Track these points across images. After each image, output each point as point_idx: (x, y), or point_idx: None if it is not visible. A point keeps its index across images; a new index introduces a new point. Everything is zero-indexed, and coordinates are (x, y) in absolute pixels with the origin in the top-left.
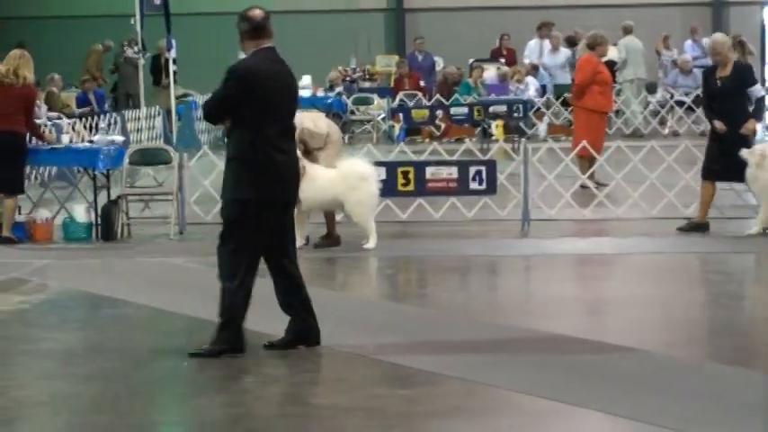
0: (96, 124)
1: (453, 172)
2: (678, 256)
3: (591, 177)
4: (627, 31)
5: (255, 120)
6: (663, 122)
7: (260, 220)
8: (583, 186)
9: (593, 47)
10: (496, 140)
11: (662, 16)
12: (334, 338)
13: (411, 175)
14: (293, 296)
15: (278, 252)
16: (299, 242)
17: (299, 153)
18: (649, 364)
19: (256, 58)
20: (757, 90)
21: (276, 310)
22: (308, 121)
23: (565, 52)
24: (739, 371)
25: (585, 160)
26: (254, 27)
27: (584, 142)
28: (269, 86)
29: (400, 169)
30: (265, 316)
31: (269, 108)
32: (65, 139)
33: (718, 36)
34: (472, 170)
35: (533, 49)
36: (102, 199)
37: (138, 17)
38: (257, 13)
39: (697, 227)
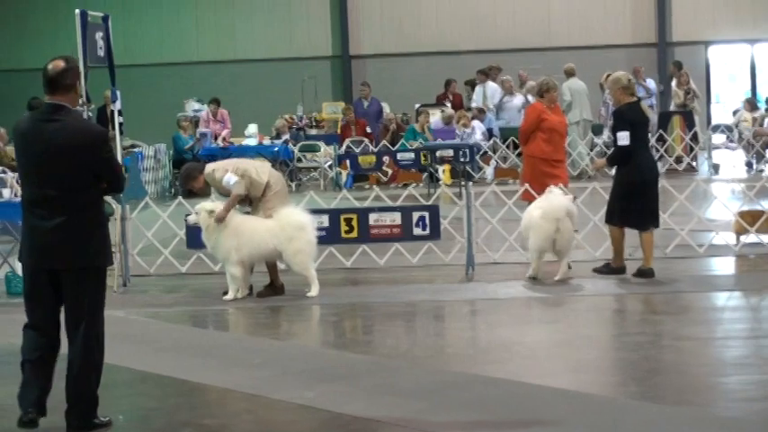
0: None
1: (396, 218)
2: (621, 297)
3: None
4: (569, 73)
5: (21, 182)
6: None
7: (28, 286)
8: None
9: (542, 93)
10: (443, 184)
11: (607, 58)
12: (276, 387)
13: (354, 222)
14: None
15: (67, 320)
16: (241, 293)
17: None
18: (592, 406)
19: (29, 116)
20: (620, 138)
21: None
22: (252, 169)
23: (519, 96)
24: (683, 410)
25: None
26: (46, 81)
27: (527, 185)
28: (24, 148)
29: (343, 216)
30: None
31: (22, 171)
32: (5, 193)
33: (612, 76)
34: (415, 216)
35: (479, 94)
36: None
37: (81, 69)
38: (52, 65)
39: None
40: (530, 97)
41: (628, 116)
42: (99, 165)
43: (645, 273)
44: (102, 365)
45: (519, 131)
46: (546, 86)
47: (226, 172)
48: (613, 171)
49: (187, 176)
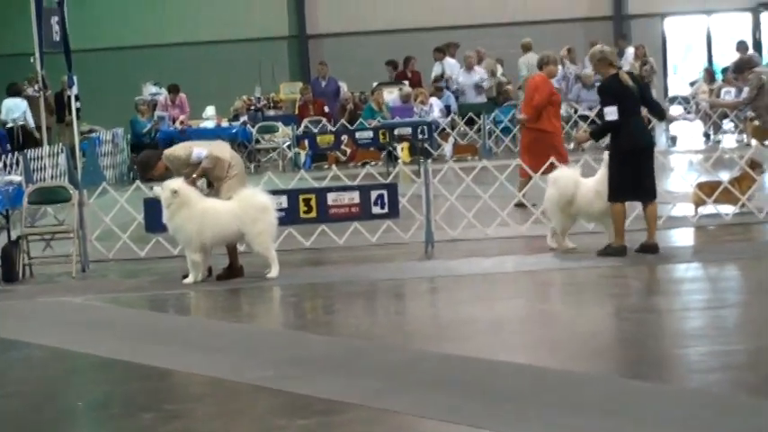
0: None
1: (355, 197)
2: (581, 271)
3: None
4: (526, 48)
5: None
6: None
7: None
8: (517, 205)
9: (542, 66)
10: (403, 163)
11: (564, 31)
12: (237, 370)
13: (313, 202)
14: None
15: None
16: (201, 276)
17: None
18: (552, 381)
19: None
20: (607, 113)
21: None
22: (215, 148)
23: (480, 71)
24: (643, 385)
25: (525, 180)
26: None
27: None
28: None
29: (302, 196)
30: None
31: None
32: None
33: (591, 49)
34: (374, 194)
35: (438, 71)
36: (2, 240)
37: (37, 55)
38: None
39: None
40: (485, 76)
41: (612, 90)
42: None
43: (650, 248)
44: None
45: (529, 106)
46: (546, 59)
47: (189, 149)
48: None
49: (145, 164)
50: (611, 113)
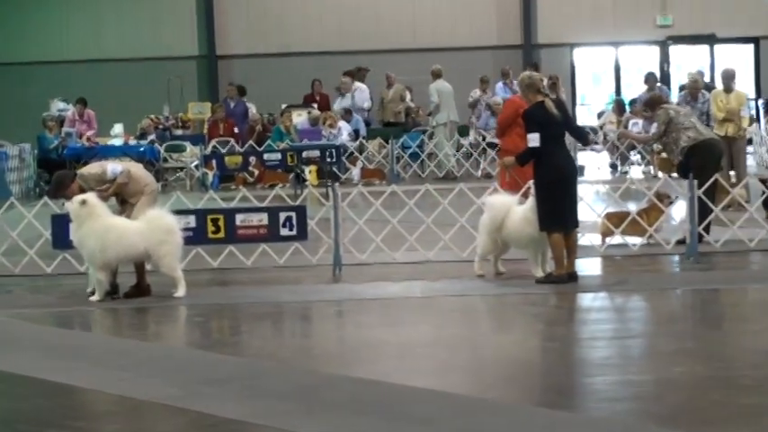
0: None
1: (263, 218)
2: (490, 298)
3: None
4: (436, 75)
5: None
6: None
7: None
8: None
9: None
10: (310, 185)
11: (473, 59)
12: (143, 388)
13: (221, 223)
14: None
15: None
16: (96, 295)
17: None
18: (460, 407)
19: None
20: (530, 139)
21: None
22: (131, 166)
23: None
24: (553, 413)
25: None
26: None
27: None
28: None
29: (210, 217)
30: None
31: None
32: None
33: (520, 75)
34: (282, 216)
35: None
36: None
37: None
38: None
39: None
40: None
41: (536, 117)
42: None
43: (569, 276)
44: None
45: (496, 123)
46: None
47: (103, 166)
48: None
49: (59, 184)
50: (534, 140)
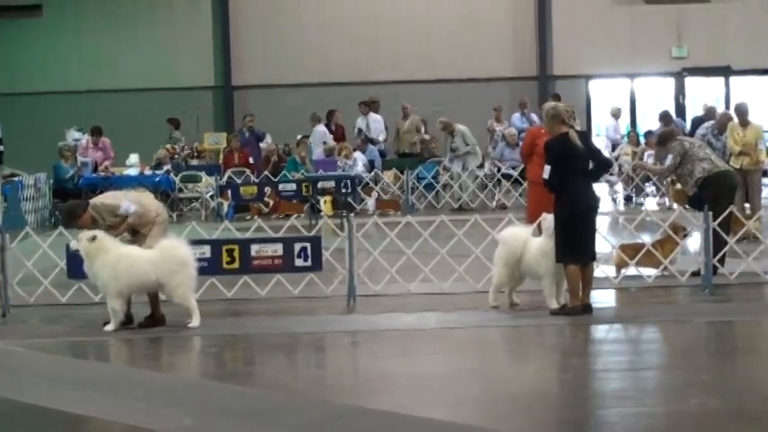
0: None
1: (278, 249)
2: (503, 329)
3: None
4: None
5: None
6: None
7: None
8: None
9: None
10: (325, 216)
11: (490, 90)
12: (156, 418)
13: (236, 253)
14: None
15: None
16: (111, 325)
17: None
18: None
19: None
20: (544, 171)
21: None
22: (144, 198)
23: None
24: None
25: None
26: None
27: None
28: None
29: (225, 247)
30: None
31: None
32: None
33: (546, 106)
34: (297, 247)
35: (362, 125)
36: None
37: None
38: None
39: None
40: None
41: (556, 149)
42: None
43: (584, 308)
44: None
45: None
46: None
47: (118, 199)
48: None
49: (70, 214)
50: (545, 172)
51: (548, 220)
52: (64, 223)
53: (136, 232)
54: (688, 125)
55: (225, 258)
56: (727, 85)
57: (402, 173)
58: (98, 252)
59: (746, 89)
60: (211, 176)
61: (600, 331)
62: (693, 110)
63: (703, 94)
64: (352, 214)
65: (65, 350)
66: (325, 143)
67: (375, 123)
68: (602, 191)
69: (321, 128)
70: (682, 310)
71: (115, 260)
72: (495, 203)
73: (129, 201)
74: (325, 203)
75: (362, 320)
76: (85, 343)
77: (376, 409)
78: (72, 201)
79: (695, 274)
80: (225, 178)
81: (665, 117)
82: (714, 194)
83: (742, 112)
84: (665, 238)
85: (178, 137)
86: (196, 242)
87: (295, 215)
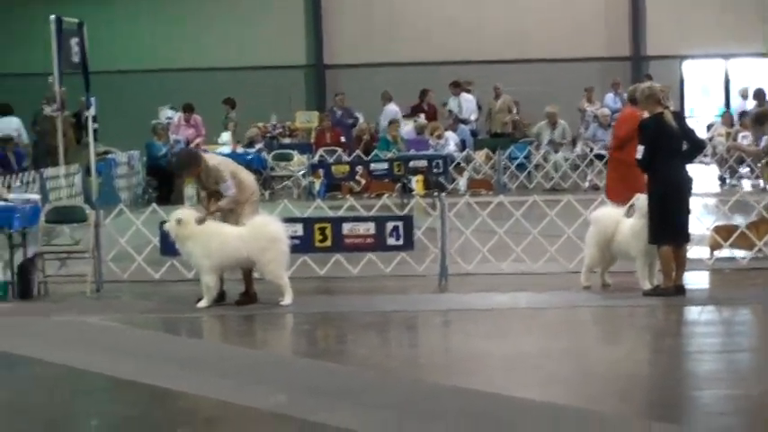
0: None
1: (370, 227)
2: (595, 309)
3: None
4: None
5: None
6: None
7: None
8: None
9: (632, 99)
10: (417, 195)
11: (581, 70)
12: (249, 395)
13: (328, 231)
14: None
15: None
16: (204, 301)
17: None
18: (565, 419)
19: None
20: (638, 150)
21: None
22: (242, 171)
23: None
24: (661, 426)
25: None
26: None
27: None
28: None
29: (317, 225)
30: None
31: None
32: None
33: (641, 86)
34: (389, 226)
35: (454, 105)
36: (19, 257)
37: (56, 75)
38: None
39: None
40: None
41: (650, 129)
42: None
43: (677, 289)
44: None
45: (615, 137)
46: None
47: (227, 171)
48: None
49: (187, 163)
50: (639, 152)
51: (640, 200)
52: (175, 168)
53: (211, 195)
54: None
55: (317, 236)
56: None
57: (494, 153)
58: (186, 233)
59: None
60: (303, 155)
61: (693, 313)
62: None
63: None
64: (444, 194)
65: (157, 326)
66: (416, 120)
67: (467, 103)
68: (697, 172)
69: (392, 106)
70: None
71: (207, 238)
72: (587, 184)
73: (232, 181)
74: (417, 183)
75: (454, 300)
76: (178, 319)
77: (468, 388)
78: (191, 149)
79: None
80: (317, 157)
81: (759, 95)
82: None
83: None
84: (759, 219)
85: (233, 117)
86: (288, 220)
87: (387, 194)
